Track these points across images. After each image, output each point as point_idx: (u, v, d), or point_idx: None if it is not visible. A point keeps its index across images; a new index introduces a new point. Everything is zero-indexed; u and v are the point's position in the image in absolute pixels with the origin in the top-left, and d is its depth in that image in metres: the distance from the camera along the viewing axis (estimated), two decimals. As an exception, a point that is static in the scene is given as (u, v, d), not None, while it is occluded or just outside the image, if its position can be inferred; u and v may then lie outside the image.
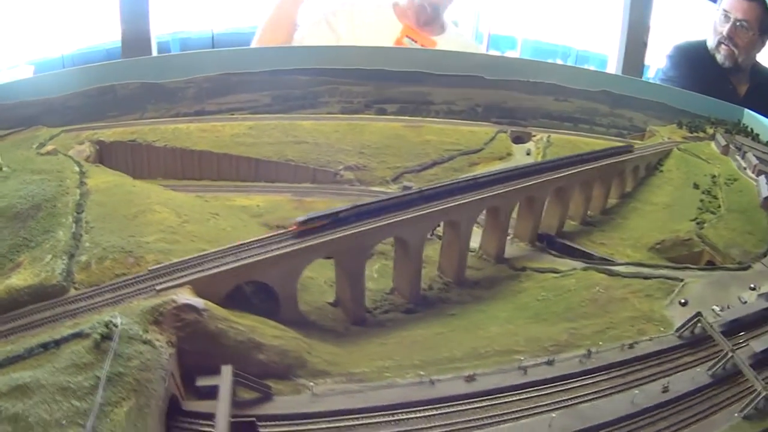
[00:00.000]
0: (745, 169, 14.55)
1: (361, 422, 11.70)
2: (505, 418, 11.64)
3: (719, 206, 13.79)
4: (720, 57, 18.16)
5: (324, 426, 11.86)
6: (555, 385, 12.33)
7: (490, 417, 11.67)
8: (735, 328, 13.15)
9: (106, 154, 22.93)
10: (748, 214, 13.43)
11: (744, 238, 13.67)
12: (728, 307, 12.95)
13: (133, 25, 24.94)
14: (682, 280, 13.61)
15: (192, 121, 22.10)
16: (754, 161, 14.61)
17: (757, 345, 12.98)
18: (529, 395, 12.27)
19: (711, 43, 18.49)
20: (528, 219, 17.56)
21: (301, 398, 12.54)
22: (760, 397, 12.55)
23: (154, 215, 17.50)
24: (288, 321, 14.32)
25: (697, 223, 13.80)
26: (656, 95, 17.17)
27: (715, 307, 13.20)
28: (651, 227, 14.65)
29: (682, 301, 13.16)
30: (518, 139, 17.04)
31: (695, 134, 16.71)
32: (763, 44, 18.43)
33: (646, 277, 13.69)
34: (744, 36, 18.53)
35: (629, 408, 11.92)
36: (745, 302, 13.36)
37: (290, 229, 14.29)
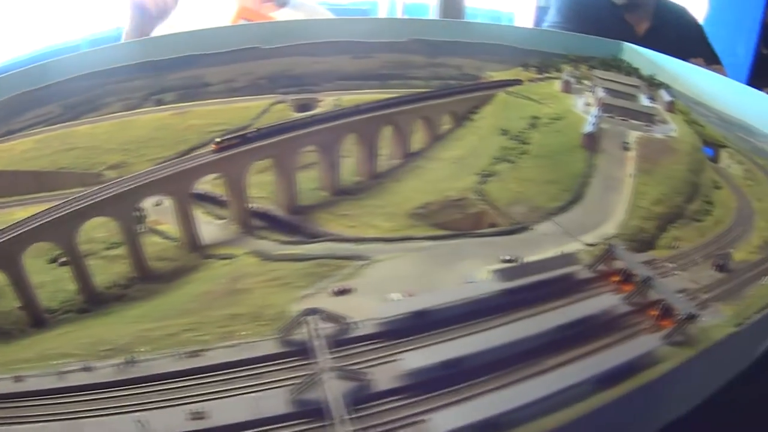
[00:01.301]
0: (588, 105, 4.43)
1: None
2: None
3: (523, 153, 4.24)
4: None
5: None
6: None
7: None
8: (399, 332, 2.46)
9: None
10: (556, 159, 4.17)
11: (539, 190, 4.06)
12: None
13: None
14: (366, 259, 2.93)
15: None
16: (600, 94, 4.93)
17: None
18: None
19: None
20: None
21: None
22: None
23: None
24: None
25: (483, 177, 4.21)
26: (493, 37, 4.71)
27: (394, 295, 3.00)
28: (422, 189, 4.31)
29: (338, 288, 2.69)
30: (304, 107, 4.74)
31: (545, 75, 5.13)
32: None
33: (300, 259, 3.60)
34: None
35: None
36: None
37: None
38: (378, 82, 3.45)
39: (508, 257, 1.91)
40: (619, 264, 1.87)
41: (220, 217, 2.48)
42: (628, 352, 1.56)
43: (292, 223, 2.47)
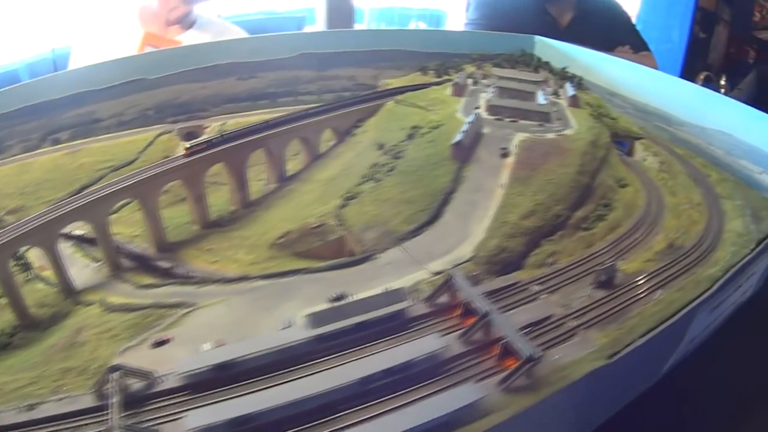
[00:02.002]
0: (477, 108, 3.87)
1: None
2: None
3: (392, 169, 3.40)
4: None
5: None
6: None
7: None
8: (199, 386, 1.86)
9: None
10: (421, 174, 3.23)
11: (395, 212, 3.03)
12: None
13: None
14: (191, 306, 2.22)
15: None
16: (489, 95, 4.15)
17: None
18: None
19: None
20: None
21: None
22: None
23: None
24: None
25: (345, 200, 3.55)
26: (389, 43, 4.17)
27: (205, 345, 2.47)
28: (287, 216, 3.58)
29: (156, 340, 2.15)
30: (190, 135, 4.14)
31: (444, 78, 4.42)
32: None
33: (130, 309, 2.75)
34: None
35: None
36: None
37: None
38: (267, 101, 3.32)
39: (336, 295, 1.66)
40: (461, 295, 1.58)
41: (96, 259, 2.34)
42: (450, 403, 1.28)
43: (153, 263, 2.32)
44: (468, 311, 1.53)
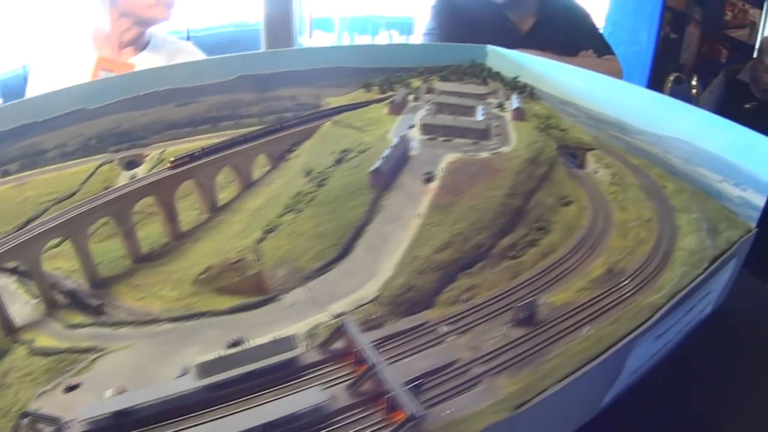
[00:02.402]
0: (412, 128, 3.39)
1: None
2: None
3: (313, 199, 2.91)
4: None
5: None
6: None
7: None
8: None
9: None
10: (337, 204, 2.77)
11: (306, 247, 2.57)
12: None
13: None
14: (101, 350, 1.90)
15: None
16: (424, 113, 3.52)
17: None
18: None
19: None
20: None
21: None
22: None
23: None
24: None
25: (265, 232, 2.95)
26: (332, 60, 3.78)
27: (108, 391, 1.99)
28: (212, 249, 3.06)
29: (67, 385, 1.79)
30: (131, 164, 3.61)
31: (389, 94, 3.83)
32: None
33: (48, 353, 2.20)
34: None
35: None
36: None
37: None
38: (208, 125, 3.14)
39: (232, 341, 1.59)
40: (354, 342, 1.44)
41: (36, 296, 2.16)
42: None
43: (84, 301, 2.16)
44: (359, 360, 1.39)
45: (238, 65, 3.20)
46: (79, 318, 1.93)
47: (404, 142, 2.16)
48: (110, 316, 1.96)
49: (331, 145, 2.56)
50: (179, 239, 2.36)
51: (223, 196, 2.57)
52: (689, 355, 2.18)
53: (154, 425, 1.33)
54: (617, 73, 4.45)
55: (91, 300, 2.08)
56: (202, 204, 2.50)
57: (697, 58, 7.18)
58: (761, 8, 7.77)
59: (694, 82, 6.52)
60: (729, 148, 2.59)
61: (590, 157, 2.75)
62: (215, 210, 2.51)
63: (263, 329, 1.59)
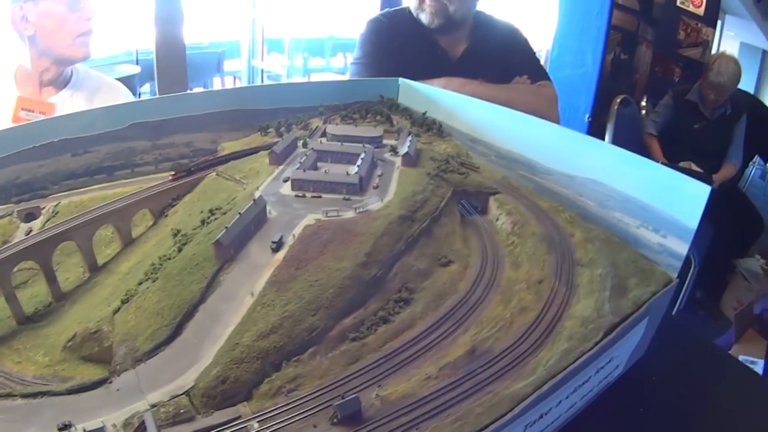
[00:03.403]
0: (285, 181, 2.72)
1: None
2: None
3: (165, 268, 2.43)
4: (426, 17, 4.84)
5: None
6: None
7: None
8: None
9: None
10: (181, 277, 2.16)
11: (146, 324, 1.99)
12: None
13: None
14: None
15: None
16: (296, 170, 2.76)
17: None
18: None
19: (414, 5, 5.17)
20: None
21: None
22: None
23: None
24: None
25: (122, 302, 2.39)
26: (228, 103, 3.43)
27: None
28: (81, 315, 2.59)
29: None
30: (29, 216, 3.30)
31: (285, 137, 3.82)
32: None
33: None
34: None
35: None
36: None
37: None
38: (105, 175, 3.08)
39: (62, 424, 1.50)
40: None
41: None
42: None
43: None
44: None
45: (129, 113, 3.05)
46: None
47: (259, 204, 1.94)
48: None
49: (205, 202, 2.38)
50: (60, 300, 2.23)
51: (109, 252, 2.45)
52: (592, 423, 1.98)
53: None
54: (552, 99, 4.31)
55: None
56: (83, 263, 2.38)
57: (650, 77, 7.11)
58: (714, 27, 7.77)
59: (643, 103, 6.45)
60: (648, 189, 2.39)
61: (493, 203, 2.54)
62: (95, 270, 2.37)
63: (92, 413, 1.51)
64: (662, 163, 5.75)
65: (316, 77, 12.10)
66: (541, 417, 1.66)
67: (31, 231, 2.87)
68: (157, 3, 4.65)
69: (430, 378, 1.52)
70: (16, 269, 2.38)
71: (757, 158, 8.86)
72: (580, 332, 1.76)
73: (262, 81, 11.16)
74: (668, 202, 2.32)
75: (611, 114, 6.05)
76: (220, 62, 11.03)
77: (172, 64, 4.45)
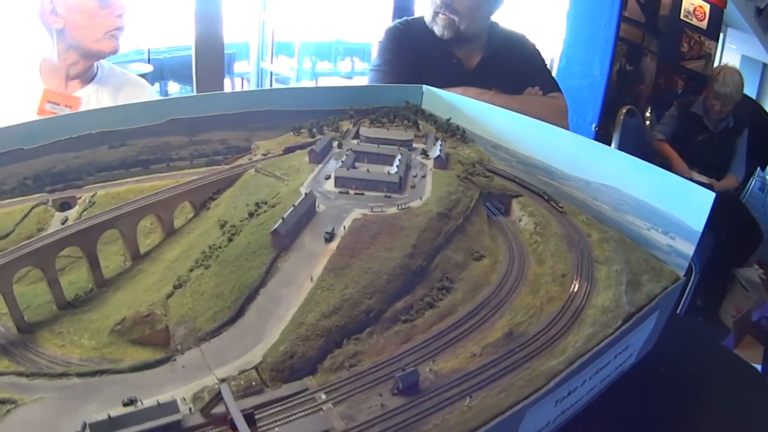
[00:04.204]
0: (327, 178, 3.00)
1: None
2: None
3: (220, 255, 2.73)
4: (438, 29, 5.26)
5: None
6: None
7: None
8: None
9: None
10: (238, 263, 2.56)
11: (205, 307, 2.25)
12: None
13: None
14: (12, 403, 1.68)
15: None
16: (339, 163, 3.23)
17: None
18: None
19: (428, 16, 5.51)
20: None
21: None
22: None
23: None
24: None
25: (174, 287, 2.80)
26: (261, 103, 3.68)
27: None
28: (128, 300, 2.80)
29: None
30: (65, 205, 3.55)
31: (317, 138, 3.99)
32: (491, 6, 5.33)
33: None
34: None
35: None
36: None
37: None
38: (140, 168, 3.18)
39: (127, 400, 1.57)
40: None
41: None
42: None
43: (9, 347, 2.12)
44: (233, 426, 1.42)
45: (167, 109, 3.20)
46: (4, 363, 1.88)
47: (309, 198, 2.11)
48: (31, 364, 1.91)
49: (249, 196, 2.53)
50: (102, 286, 2.34)
51: (149, 242, 2.56)
52: (608, 406, 2.15)
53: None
54: (562, 111, 4.48)
55: (15, 346, 2.02)
56: (125, 252, 2.50)
57: (654, 89, 7.28)
58: (716, 40, 7.95)
59: (648, 114, 6.62)
60: (657, 194, 2.58)
61: (515, 205, 2.71)
62: (138, 258, 2.49)
63: (157, 389, 1.59)
64: (680, 170, 5.89)
65: (323, 81, 12.20)
66: (569, 394, 1.85)
67: (66, 220, 2.99)
68: (197, 1, 4.75)
69: (475, 356, 1.70)
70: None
71: (758, 171, 9.04)
72: (602, 319, 1.95)
73: (271, 83, 11.20)
74: (676, 206, 2.49)
75: (617, 124, 6.20)
76: (231, 64, 11.07)
77: (211, 62, 4.57)
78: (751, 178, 9.06)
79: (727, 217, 5.75)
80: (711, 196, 2.38)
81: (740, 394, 2.57)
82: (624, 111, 6.21)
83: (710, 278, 6.02)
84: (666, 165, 5.20)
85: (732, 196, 6.55)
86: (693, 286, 5.91)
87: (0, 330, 2.06)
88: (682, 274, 2.39)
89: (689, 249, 2.41)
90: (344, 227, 2.03)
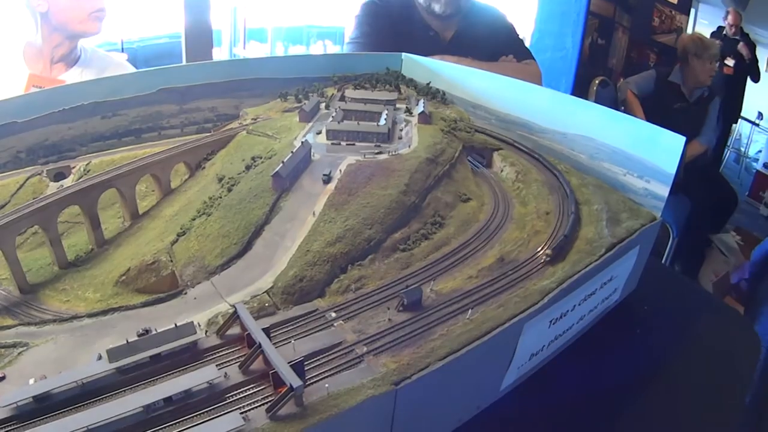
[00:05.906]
0: (318, 134, 3.26)
1: None
2: None
3: (221, 203, 3.22)
4: (439, 7, 5.16)
5: None
6: None
7: None
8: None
9: None
10: (241, 207, 2.95)
11: (212, 246, 2.86)
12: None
13: None
14: (24, 346, 1.97)
15: None
16: (330, 119, 3.61)
17: None
18: None
19: None
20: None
21: None
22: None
23: None
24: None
25: (178, 235, 3.31)
26: (248, 72, 3.99)
27: (31, 380, 2.09)
28: (131, 253, 3.32)
29: None
30: (59, 176, 3.94)
31: (303, 103, 4.31)
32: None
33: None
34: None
35: None
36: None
37: None
38: (132, 137, 3.28)
39: (141, 330, 1.64)
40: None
41: None
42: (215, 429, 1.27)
43: (12, 306, 2.22)
44: (250, 342, 1.51)
45: (159, 78, 3.25)
46: (7, 321, 1.96)
47: (305, 146, 2.22)
48: (36, 317, 2.00)
49: (243, 153, 2.61)
50: (103, 246, 2.41)
51: (145, 204, 2.62)
52: (599, 338, 2.29)
53: (71, 407, 1.41)
54: (536, 76, 4.60)
55: (17, 305, 2.11)
56: (124, 212, 2.57)
57: (626, 62, 7.40)
58: (687, 14, 8.11)
59: (619, 85, 6.73)
60: (632, 142, 2.69)
61: (496, 157, 2.82)
62: (136, 218, 2.55)
63: (170, 320, 1.64)
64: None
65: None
66: (561, 316, 1.97)
67: (61, 187, 2.87)
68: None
69: (472, 277, 1.82)
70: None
71: (731, 141, 9.16)
72: (587, 249, 2.07)
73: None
74: (649, 152, 2.61)
75: (590, 94, 6.31)
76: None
77: (200, 49, 4.60)
78: (726, 149, 9.24)
79: (702, 183, 5.83)
80: (681, 140, 2.51)
81: (722, 330, 2.71)
82: (597, 82, 6.32)
83: (689, 244, 6.13)
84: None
85: (706, 162, 6.64)
86: (671, 250, 6.03)
87: (1, 293, 2.12)
88: (659, 215, 2.52)
89: (664, 191, 2.54)
90: (340, 170, 2.13)
